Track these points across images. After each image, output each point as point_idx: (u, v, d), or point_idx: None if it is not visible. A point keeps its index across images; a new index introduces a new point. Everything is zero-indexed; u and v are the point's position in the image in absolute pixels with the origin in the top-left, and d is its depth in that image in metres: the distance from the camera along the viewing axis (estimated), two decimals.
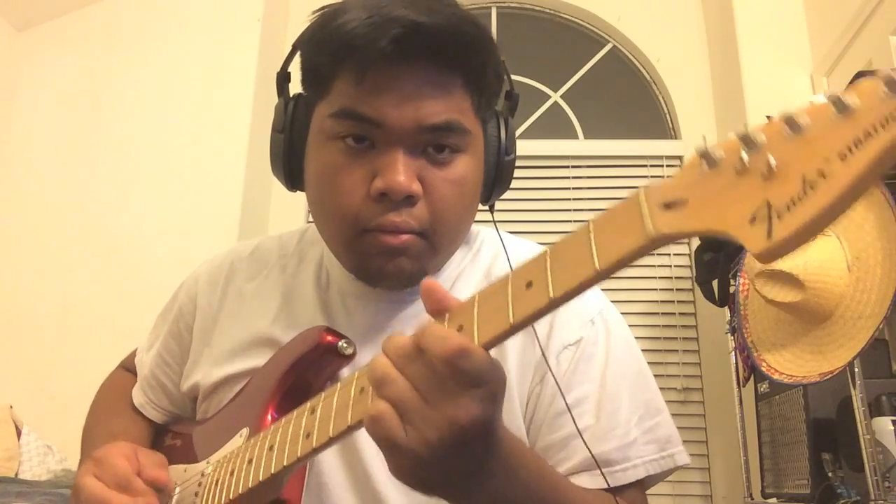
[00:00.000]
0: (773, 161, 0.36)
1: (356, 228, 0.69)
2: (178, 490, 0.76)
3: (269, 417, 0.70)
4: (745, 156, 0.37)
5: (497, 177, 0.76)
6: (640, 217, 0.41)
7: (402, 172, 0.65)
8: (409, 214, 0.67)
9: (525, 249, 0.81)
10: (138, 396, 0.90)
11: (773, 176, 0.36)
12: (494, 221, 0.79)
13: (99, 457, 0.72)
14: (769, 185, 0.36)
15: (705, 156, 0.39)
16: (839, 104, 0.34)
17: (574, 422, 0.68)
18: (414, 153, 0.67)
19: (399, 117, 0.65)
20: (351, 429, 0.54)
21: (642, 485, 0.73)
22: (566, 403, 0.69)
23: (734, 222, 0.37)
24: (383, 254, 0.69)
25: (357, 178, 0.67)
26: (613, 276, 0.43)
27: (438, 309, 0.52)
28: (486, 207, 0.80)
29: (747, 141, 0.37)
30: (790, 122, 0.36)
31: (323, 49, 0.68)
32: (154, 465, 0.73)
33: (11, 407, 2.05)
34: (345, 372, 0.72)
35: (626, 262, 0.42)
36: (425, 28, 0.63)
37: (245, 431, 0.72)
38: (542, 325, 0.73)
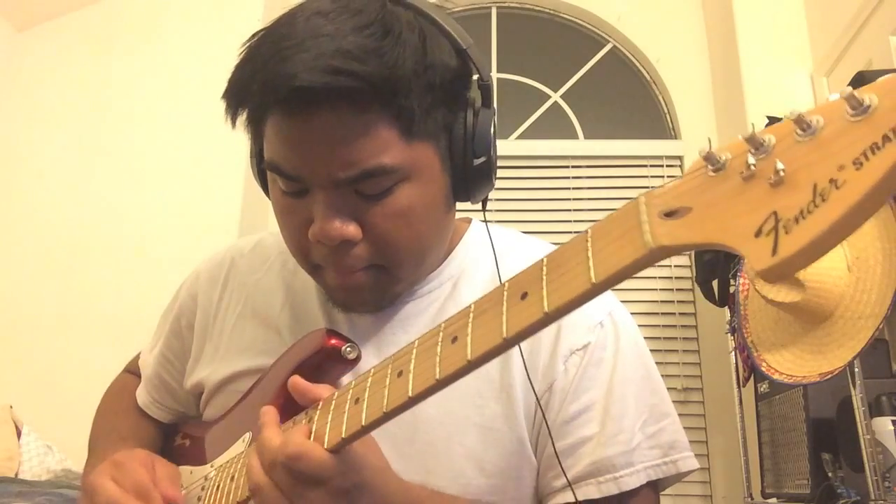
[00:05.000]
0: (781, 166, 0.32)
1: (310, 264, 0.70)
2: (183, 492, 0.76)
3: None
4: (751, 160, 0.34)
5: (471, 180, 0.69)
6: (639, 226, 0.38)
7: (328, 220, 0.63)
8: (353, 256, 0.66)
9: (529, 250, 0.79)
10: (142, 396, 0.90)
11: (782, 183, 0.32)
12: (486, 221, 0.75)
13: (118, 461, 0.72)
14: (777, 193, 0.32)
15: (710, 158, 0.36)
16: (855, 102, 0.31)
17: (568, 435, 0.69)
18: (344, 194, 0.64)
19: (313, 173, 0.63)
20: (345, 441, 0.55)
21: (654, 489, 0.72)
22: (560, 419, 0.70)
23: (738, 235, 0.33)
24: (341, 289, 0.70)
25: (298, 220, 0.67)
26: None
27: (310, 399, 0.62)
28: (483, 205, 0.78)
29: (754, 143, 0.34)
30: (801, 123, 0.32)
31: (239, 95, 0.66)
32: (170, 479, 0.73)
33: (11, 407, 2.05)
34: (346, 379, 0.71)
35: (624, 274, 0.39)
36: (306, 91, 0.59)
37: (248, 436, 0.72)
38: (549, 329, 0.72)
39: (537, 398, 0.71)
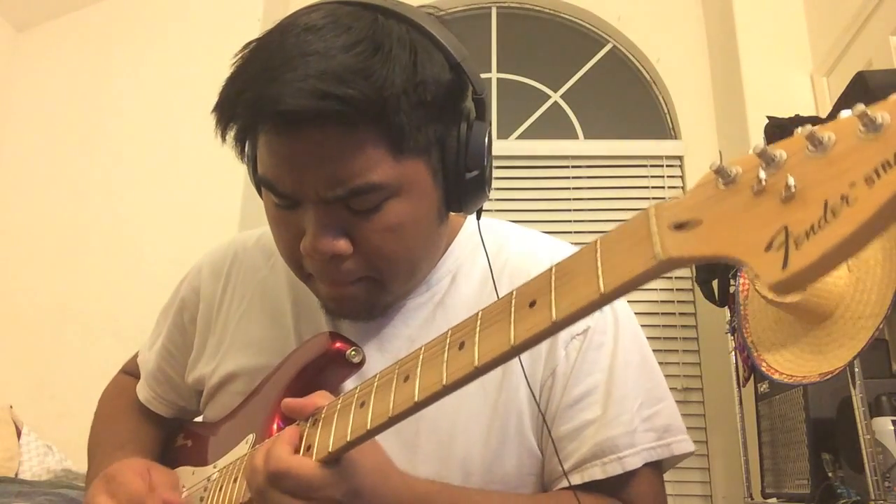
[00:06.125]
0: (792, 182, 0.33)
1: (303, 273, 0.70)
2: (185, 493, 0.76)
3: (276, 426, 0.70)
4: (762, 174, 0.34)
5: (464, 194, 0.69)
6: (649, 237, 0.39)
7: (319, 237, 0.64)
8: (344, 269, 0.66)
9: (527, 243, 0.80)
10: (144, 392, 0.90)
11: (793, 198, 0.33)
12: (481, 234, 0.75)
13: (112, 474, 0.72)
14: (788, 208, 0.33)
15: (720, 172, 0.36)
16: (867, 120, 0.31)
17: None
18: (335, 209, 0.64)
19: (302, 191, 0.63)
20: (350, 444, 0.56)
21: (656, 470, 0.74)
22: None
23: (748, 249, 0.34)
24: (333, 299, 0.70)
25: (291, 232, 0.67)
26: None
27: (307, 414, 0.61)
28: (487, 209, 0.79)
29: (766, 157, 0.34)
30: (813, 139, 0.33)
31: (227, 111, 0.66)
32: (167, 485, 0.73)
33: (11, 407, 2.05)
34: (348, 384, 0.71)
35: (633, 285, 0.40)
36: (292, 114, 0.59)
37: (251, 438, 0.72)
38: None
39: (536, 389, 0.72)
